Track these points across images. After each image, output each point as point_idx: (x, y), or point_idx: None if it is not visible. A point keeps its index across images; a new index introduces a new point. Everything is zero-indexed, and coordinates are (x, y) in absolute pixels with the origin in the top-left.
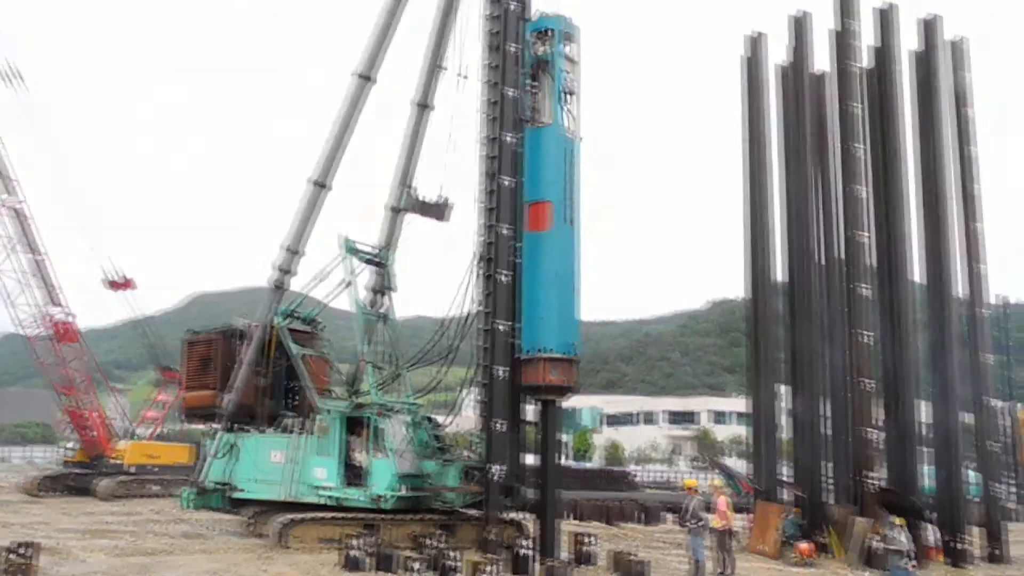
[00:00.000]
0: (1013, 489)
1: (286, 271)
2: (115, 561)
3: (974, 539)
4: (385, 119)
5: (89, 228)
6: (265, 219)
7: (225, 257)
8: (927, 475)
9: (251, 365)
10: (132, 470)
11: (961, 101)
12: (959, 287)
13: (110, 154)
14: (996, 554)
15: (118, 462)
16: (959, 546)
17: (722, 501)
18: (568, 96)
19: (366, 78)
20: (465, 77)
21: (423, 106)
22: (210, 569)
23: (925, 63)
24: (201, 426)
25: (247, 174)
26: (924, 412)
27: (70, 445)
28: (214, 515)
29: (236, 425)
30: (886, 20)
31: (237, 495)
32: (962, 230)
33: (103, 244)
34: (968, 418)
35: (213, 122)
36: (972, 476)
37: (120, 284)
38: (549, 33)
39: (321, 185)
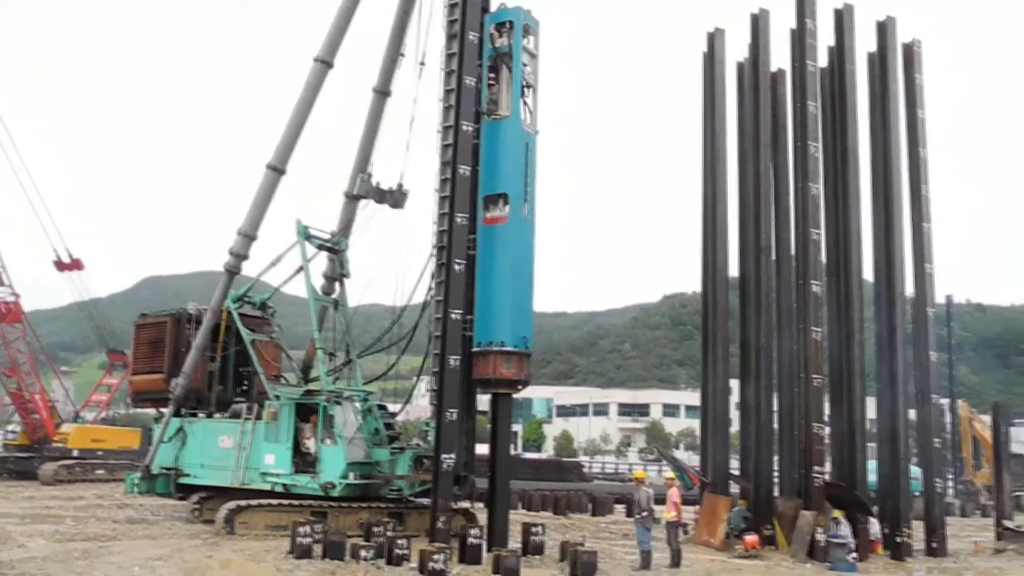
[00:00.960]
0: (953, 484)
1: (240, 255)
2: (56, 546)
3: (914, 533)
4: (347, 106)
5: (40, 207)
6: (220, 202)
7: (177, 240)
8: (871, 470)
9: (201, 349)
10: (76, 454)
11: (913, 103)
12: (907, 286)
13: (63, 133)
14: (935, 547)
15: (62, 446)
16: (900, 539)
17: (674, 493)
18: (527, 89)
19: (326, 63)
20: (423, 64)
21: (382, 93)
22: (154, 555)
23: (879, 64)
24: (150, 410)
25: (202, 156)
26: (870, 408)
27: (12, 428)
28: (160, 500)
29: (185, 410)
30: (842, 20)
31: (184, 480)
32: (911, 230)
33: (53, 224)
34: (912, 414)
35: (168, 104)
36: (915, 471)
37: (68, 265)
38: (509, 25)
39: (277, 170)
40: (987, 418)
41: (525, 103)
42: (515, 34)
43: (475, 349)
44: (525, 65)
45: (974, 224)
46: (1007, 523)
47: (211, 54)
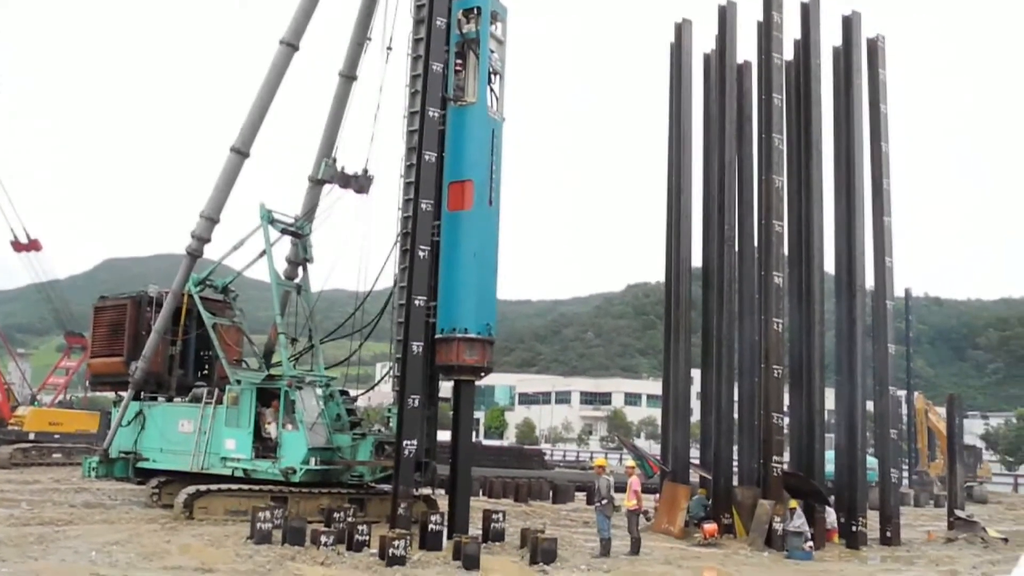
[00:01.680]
0: (908, 475)
1: (202, 238)
2: (10, 531)
3: (869, 522)
4: (313, 90)
5: None
6: (182, 185)
7: (139, 222)
8: (829, 460)
9: (162, 333)
10: (32, 437)
11: (876, 97)
12: (867, 278)
13: (24, 111)
14: (889, 536)
15: (18, 429)
16: (855, 528)
17: (635, 481)
18: (493, 76)
19: (291, 46)
20: (390, 49)
21: (348, 77)
22: (112, 539)
23: (844, 59)
24: (108, 394)
25: (165, 138)
26: (829, 399)
27: None
28: (118, 485)
29: (145, 393)
30: (808, 14)
31: (143, 465)
32: (872, 223)
33: (11, 202)
34: (870, 405)
35: (130, 86)
36: (871, 462)
37: (25, 245)
38: (476, 11)
39: (241, 153)
40: (942, 410)
41: (492, 90)
42: (483, 20)
43: (438, 336)
44: (492, 52)
45: (934, 218)
46: (959, 513)
47: (178, 40)
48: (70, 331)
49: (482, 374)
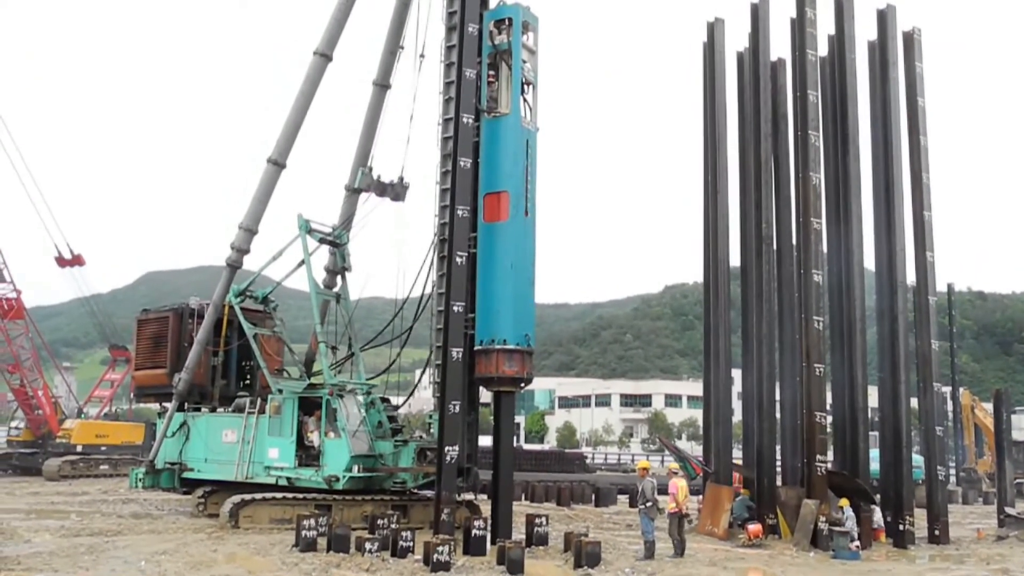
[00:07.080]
0: (955, 472)
1: (241, 250)
2: (62, 541)
3: (917, 520)
4: (348, 99)
5: (41, 202)
6: (220, 197)
7: (178, 235)
8: (873, 458)
9: (204, 344)
10: (80, 449)
11: (913, 91)
12: (908, 274)
13: (64, 130)
14: (937, 535)
15: (66, 441)
16: (902, 527)
17: (673, 484)
18: (526, 86)
19: (325, 56)
20: (423, 57)
21: (382, 86)
22: (160, 549)
23: (879, 53)
24: (153, 405)
25: (202, 152)
26: (873, 396)
27: (16, 424)
28: (164, 495)
29: (188, 404)
30: (842, 9)
31: (188, 475)
32: (912, 219)
33: (54, 219)
34: (914, 402)
35: (168, 100)
36: (917, 459)
37: (69, 260)
38: (508, 22)
39: (278, 164)
40: (989, 406)
41: (525, 100)
42: (514, 31)
43: (477, 347)
44: (525, 62)
45: (975, 212)
46: (1009, 510)
47: (211, 51)
48: (114, 344)
49: (522, 384)
